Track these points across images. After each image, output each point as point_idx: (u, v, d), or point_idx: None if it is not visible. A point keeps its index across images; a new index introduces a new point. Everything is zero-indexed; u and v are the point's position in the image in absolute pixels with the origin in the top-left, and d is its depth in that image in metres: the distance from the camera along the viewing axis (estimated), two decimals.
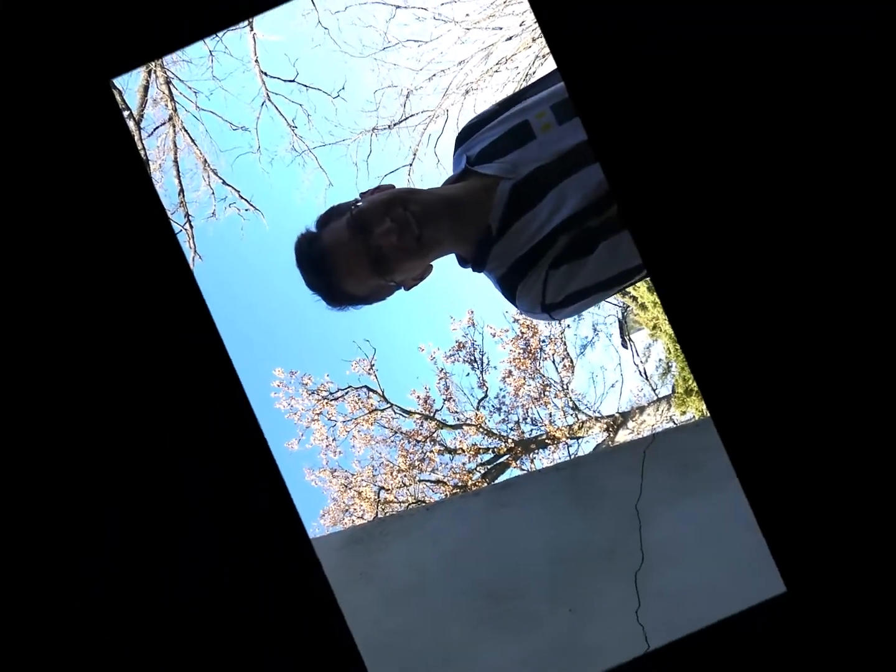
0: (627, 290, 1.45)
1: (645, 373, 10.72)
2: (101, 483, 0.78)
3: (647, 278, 1.29)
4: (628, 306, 10.44)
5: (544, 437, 10.58)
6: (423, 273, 1.46)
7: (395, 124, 9.99)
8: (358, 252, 1.36)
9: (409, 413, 10.61)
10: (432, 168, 10.17)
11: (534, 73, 9.79)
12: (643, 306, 9.82)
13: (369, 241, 1.34)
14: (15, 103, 0.77)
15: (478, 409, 10.61)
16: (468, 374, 10.70)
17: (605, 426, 10.55)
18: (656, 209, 0.78)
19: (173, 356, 0.79)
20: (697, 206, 0.78)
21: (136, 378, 0.79)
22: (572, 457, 10.03)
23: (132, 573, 0.79)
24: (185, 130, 8.82)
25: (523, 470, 10.13)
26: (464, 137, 1.52)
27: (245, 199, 9.23)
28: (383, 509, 9.99)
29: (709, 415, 0.82)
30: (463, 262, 1.49)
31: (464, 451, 10.42)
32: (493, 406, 10.66)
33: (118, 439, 0.78)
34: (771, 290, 0.79)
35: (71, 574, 0.78)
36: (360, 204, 1.39)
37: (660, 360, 10.55)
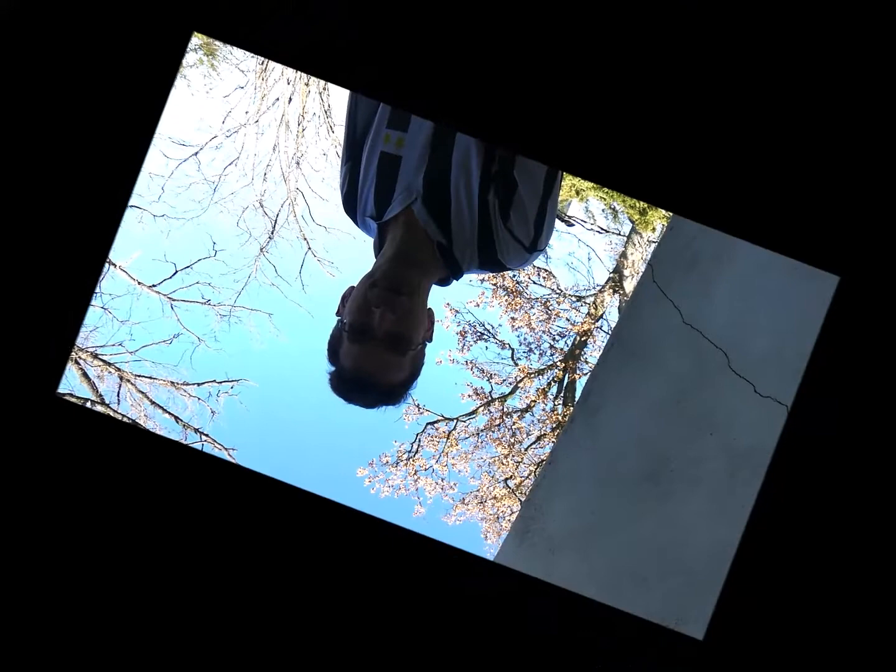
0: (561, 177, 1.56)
1: (602, 228, 10.71)
2: (102, 481, 0.77)
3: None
4: None
5: (577, 338, 10.58)
6: (430, 320, 1.52)
7: (271, 232, 10.00)
8: (376, 350, 1.41)
9: (474, 412, 10.63)
10: (324, 237, 10.17)
11: (329, 106, 9.79)
12: None
13: (375, 334, 1.40)
14: None
15: (515, 363, 10.63)
16: (486, 347, 10.71)
17: (610, 291, 10.55)
18: (514, 118, 0.78)
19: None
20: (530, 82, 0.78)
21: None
22: (609, 333, 10.03)
23: (132, 574, 0.77)
24: (139, 376, 8.86)
25: (585, 374, 10.13)
26: (351, 208, 1.58)
27: (224, 382, 9.28)
28: (521, 492, 9.99)
29: (672, 214, 0.82)
30: (443, 282, 1.55)
31: (535, 401, 10.42)
32: (523, 352, 10.68)
33: (119, 440, 0.77)
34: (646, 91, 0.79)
35: (70, 574, 0.76)
36: (345, 320, 1.45)
37: (602, 210, 10.53)
